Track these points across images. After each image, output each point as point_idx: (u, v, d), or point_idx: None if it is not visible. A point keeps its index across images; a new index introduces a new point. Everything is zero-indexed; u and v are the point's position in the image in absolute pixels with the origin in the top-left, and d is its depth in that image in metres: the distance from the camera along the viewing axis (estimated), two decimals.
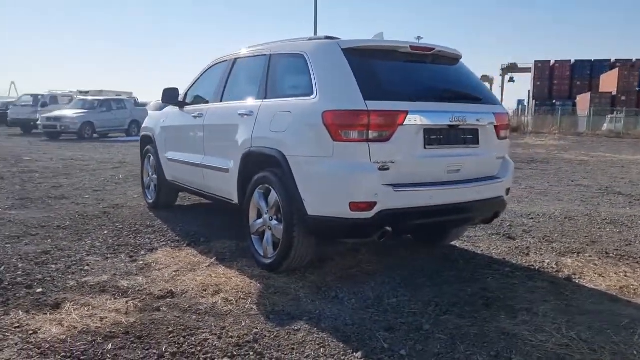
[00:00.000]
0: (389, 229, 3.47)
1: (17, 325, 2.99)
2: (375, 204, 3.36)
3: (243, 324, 3.07)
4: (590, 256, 4.58)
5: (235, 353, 2.71)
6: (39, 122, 19.67)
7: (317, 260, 4.20)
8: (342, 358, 2.71)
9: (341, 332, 2.99)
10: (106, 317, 3.12)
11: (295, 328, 3.03)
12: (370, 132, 3.34)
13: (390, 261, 4.31)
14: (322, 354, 2.75)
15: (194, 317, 3.16)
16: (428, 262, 4.32)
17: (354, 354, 2.75)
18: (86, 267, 4.06)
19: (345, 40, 3.73)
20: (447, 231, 4.58)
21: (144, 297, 3.47)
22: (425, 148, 3.56)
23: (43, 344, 2.75)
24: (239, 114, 4.29)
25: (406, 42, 3.80)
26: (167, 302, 3.39)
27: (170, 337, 2.87)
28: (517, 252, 4.66)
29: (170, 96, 5.41)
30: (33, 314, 3.16)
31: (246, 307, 3.33)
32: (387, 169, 3.42)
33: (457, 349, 2.81)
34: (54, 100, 23.55)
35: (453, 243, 4.91)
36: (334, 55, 3.60)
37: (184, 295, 3.50)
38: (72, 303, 3.32)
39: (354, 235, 3.63)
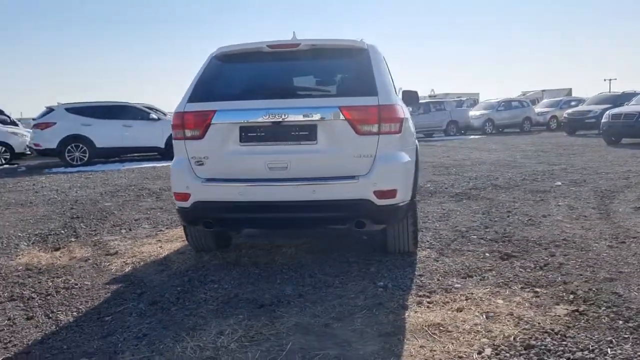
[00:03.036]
0: (209, 219, 3.80)
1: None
2: (189, 195, 3.78)
3: (94, 276, 4.08)
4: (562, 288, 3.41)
5: (40, 291, 3.81)
6: None
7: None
8: (71, 308, 3.45)
9: (108, 297, 3.66)
10: (70, 258, 4.65)
11: (115, 289, 3.85)
12: (185, 131, 3.78)
13: (310, 259, 4.35)
14: (78, 306, 3.54)
15: (94, 268, 4.34)
16: (346, 263, 4.13)
17: (79, 305, 3.45)
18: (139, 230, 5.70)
19: (223, 46, 4.12)
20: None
21: (101, 251, 4.85)
22: (240, 145, 3.69)
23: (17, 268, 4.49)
24: None
25: (263, 42, 3.90)
26: (104, 257, 4.65)
27: (55, 275, 4.16)
28: (464, 273, 3.86)
29: None
30: (43, 250, 4.97)
31: (127, 269, 4.29)
32: (202, 164, 3.76)
33: (106, 329, 3.09)
34: None
35: (432, 255, 4.37)
36: (204, 63, 4.10)
37: (123, 254, 4.69)
38: (78, 246, 5.01)
39: (188, 223, 4.04)
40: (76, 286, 3.88)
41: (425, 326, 2.89)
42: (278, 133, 3.62)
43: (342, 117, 3.54)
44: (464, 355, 2.56)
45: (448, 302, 3.24)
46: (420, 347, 2.67)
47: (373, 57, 3.84)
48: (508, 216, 5.66)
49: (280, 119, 3.56)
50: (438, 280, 3.69)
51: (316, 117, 3.56)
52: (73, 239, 5.36)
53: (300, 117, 3.57)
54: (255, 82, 3.95)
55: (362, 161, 3.57)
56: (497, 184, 8.01)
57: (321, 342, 2.77)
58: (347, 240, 4.83)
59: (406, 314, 3.08)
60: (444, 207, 6.31)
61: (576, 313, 3.01)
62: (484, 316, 3.00)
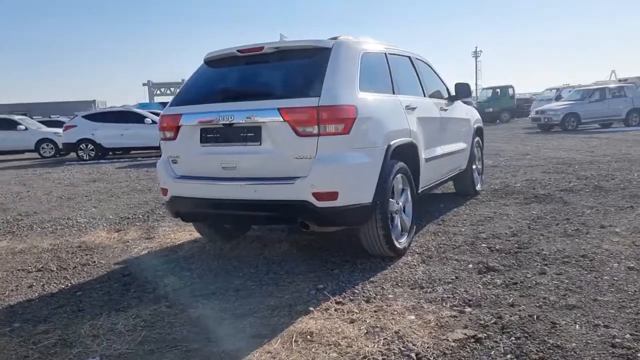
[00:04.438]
0: (181, 212, 4.20)
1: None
2: (167, 190, 4.21)
3: (115, 256, 4.77)
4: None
5: (63, 265, 4.59)
6: (530, 115, 21.14)
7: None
8: (67, 281, 4.13)
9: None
10: (118, 240, 5.51)
11: (114, 269, 4.51)
12: (165, 132, 4.20)
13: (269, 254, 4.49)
14: (73, 281, 4.23)
15: (123, 250, 5.06)
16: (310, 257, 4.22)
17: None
18: None
19: (210, 52, 4.42)
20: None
21: (144, 235, 5.57)
22: (201, 145, 3.97)
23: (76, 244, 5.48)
24: None
25: (235, 47, 4.11)
26: (140, 241, 5.36)
27: (89, 253, 4.99)
28: (419, 284, 3.66)
29: None
30: (108, 231, 5.91)
31: (143, 252, 4.91)
32: (176, 162, 4.15)
33: (63, 302, 3.66)
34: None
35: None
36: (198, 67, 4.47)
37: (156, 239, 5.36)
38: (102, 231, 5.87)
39: (172, 216, 4.43)
40: (92, 264, 4.58)
41: (298, 333, 2.86)
42: (229, 134, 3.81)
43: (281, 118, 3.58)
44: None
45: (352, 312, 3.12)
46: (268, 352, 2.67)
47: (334, 57, 3.78)
48: (557, 224, 4.97)
49: (229, 122, 3.75)
50: (382, 288, 3.52)
51: (258, 119, 3.66)
52: (138, 223, 6.20)
53: (244, 120, 3.70)
54: (218, 86, 4.15)
55: (302, 163, 3.57)
56: (602, 185, 6.95)
57: (197, 335, 2.93)
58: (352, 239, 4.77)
59: (298, 319, 3.06)
60: (499, 210, 5.76)
61: (471, 340, 2.68)
62: (366, 331, 2.84)
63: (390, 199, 4.03)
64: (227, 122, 3.74)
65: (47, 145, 20.08)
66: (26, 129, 20.21)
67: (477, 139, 6.66)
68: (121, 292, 3.78)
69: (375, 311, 3.11)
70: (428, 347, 2.62)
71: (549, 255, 3.99)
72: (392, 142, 3.96)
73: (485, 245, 4.36)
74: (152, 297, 3.63)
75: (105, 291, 3.84)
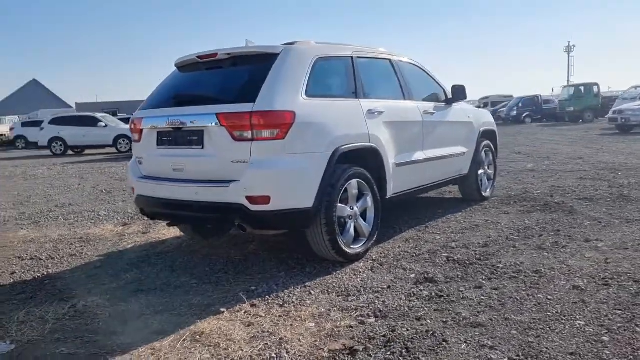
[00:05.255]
0: (145, 210, 4.45)
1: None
2: (134, 189, 4.48)
3: (104, 249, 5.14)
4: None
5: (52, 255, 5.01)
6: (607, 115, 19.71)
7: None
8: (45, 270, 4.52)
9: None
10: (117, 233, 5.92)
11: (93, 261, 4.86)
12: (134, 134, 4.47)
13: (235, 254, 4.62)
14: (51, 270, 4.62)
15: (115, 243, 5.44)
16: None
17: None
18: None
19: (180, 57, 4.62)
20: None
21: (143, 230, 5.92)
22: (157, 148, 4.18)
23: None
24: None
25: (195, 54, 4.27)
26: (136, 235, 5.72)
27: (83, 245, 5.41)
28: (348, 291, 3.66)
29: None
30: (115, 224, 6.34)
31: (129, 245, 5.25)
32: (141, 163, 4.40)
33: (30, 288, 3.99)
34: None
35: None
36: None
37: (149, 234, 5.70)
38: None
39: (140, 213, 4.67)
40: (79, 255, 4.95)
41: (192, 333, 2.96)
42: (179, 138, 3.98)
43: (219, 123, 3.69)
44: None
45: (257, 315, 3.17)
46: (151, 349, 2.80)
47: (279, 63, 3.83)
48: (541, 236, 4.70)
49: (177, 126, 3.92)
50: (309, 293, 3.55)
51: (200, 123, 3.80)
52: (147, 218, 6.55)
53: (189, 124, 3.86)
54: (176, 91, 4.32)
55: (238, 167, 3.66)
56: (630, 195, 6.43)
57: (108, 328, 3.12)
58: None
59: (204, 319, 3.15)
60: (493, 218, 5.52)
61: (345, 351, 2.66)
62: (253, 335, 2.90)
63: (341, 204, 4.01)
64: (177, 126, 3.91)
65: (124, 140, 21.53)
66: (106, 125, 21.82)
67: (485, 142, 6.38)
68: (80, 283, 4.07)
69: (279, 316, 3.15)
70: (300, 356, 2.63)
71: (501, 269, 3.80)
72: (341, 147, 3.94)
73: (446, 255, 4.22)
74: (102, 289, 3.87)
75: (69, 281, 4.14)
